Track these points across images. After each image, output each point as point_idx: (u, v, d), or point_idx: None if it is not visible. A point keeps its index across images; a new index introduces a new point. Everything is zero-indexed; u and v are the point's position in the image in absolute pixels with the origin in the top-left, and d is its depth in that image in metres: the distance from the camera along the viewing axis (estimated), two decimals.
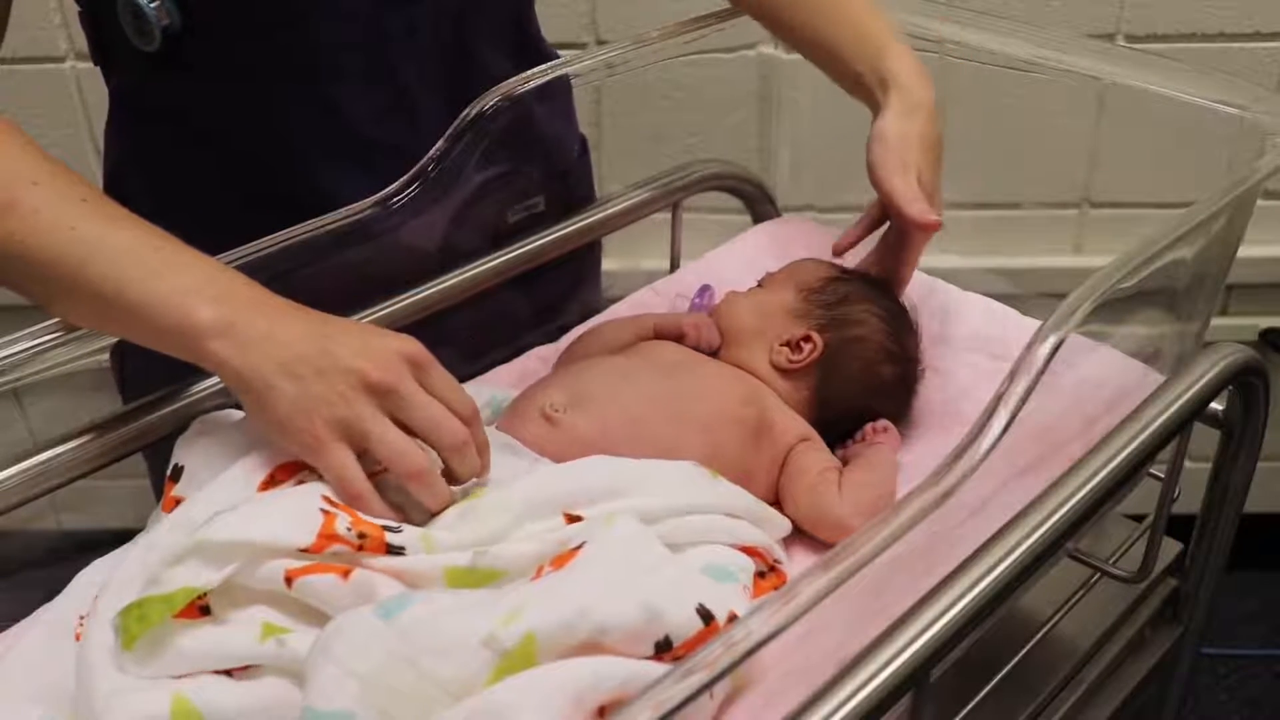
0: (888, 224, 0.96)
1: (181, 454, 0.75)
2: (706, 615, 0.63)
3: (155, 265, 0.69)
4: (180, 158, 0.94)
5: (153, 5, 0.84)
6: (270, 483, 0.71)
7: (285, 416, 0.68)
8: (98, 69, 0.96)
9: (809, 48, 1.00)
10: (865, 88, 0.95)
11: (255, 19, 0.87)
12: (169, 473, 0.74)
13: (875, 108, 0.94)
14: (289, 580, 0.65)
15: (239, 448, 0.73)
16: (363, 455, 0.70)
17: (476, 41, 0.96)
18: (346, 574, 0.65)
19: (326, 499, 0.68)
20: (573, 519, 0.70)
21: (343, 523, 0.66)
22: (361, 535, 0.66)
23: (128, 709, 0.62)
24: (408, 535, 0.68)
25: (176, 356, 0.70)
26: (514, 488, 0.72)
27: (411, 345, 0.71)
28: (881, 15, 0.97)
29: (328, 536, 0.65)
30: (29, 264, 0.69)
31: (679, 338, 0.94)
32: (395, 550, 0.67)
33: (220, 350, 0.68)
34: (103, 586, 0.69)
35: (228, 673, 0.64)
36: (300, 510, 0.67)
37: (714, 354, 0.94)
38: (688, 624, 0.63)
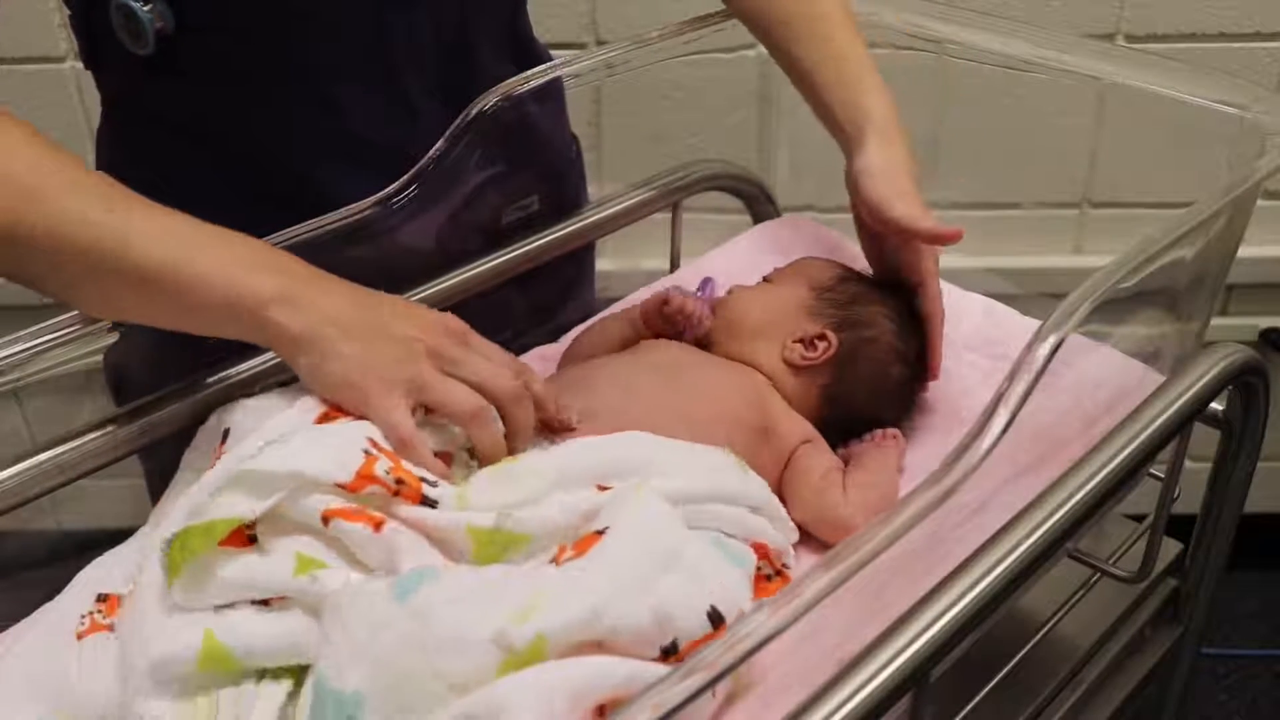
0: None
1: (226, 418, 0.76)
2: (717, 618, 0.64)
3: (202, 242, 0.71)
4: (177, 159, 0.93)
5: (145, 8, 0.84)
6: (324, 419, 0.72)
7: (345, 373, 0.71)
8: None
9: (791, 73, 1.00)
10: (837, 122, 0.95)
11: (252, 21, 0.86)
12: (219, 437, 0.75)
13: (845, 142, 0.94)
14: (325, 520, 0.66)
15: (286, 401, 0.74)
16: (415, 412, 0.72)
17: (475, 42, 0.96)
18: (379, 525, 0.66)
19: (372, 441, 0.70)
20: (604, 489, 0.71)
21: (382, 466, 0.68)
22: (399, 481, 0.68)
23: (162, 647, 0.63)
24: (443, 490, 0.69)
25: (223, 334, 0.72)
26: (551, 453, 0.74)
27: (452, 319, 0.76)
28: (862, 47, 0.97)
29: (366, 477, 0.67)
30: (60, 252, 0.69)
31: (662, 304, 0.93)
32: (429, 502, 0.68)
33: (281, 316, 0.70)
34: (160, 521, 0.71)
35: (265, 603, 0.65)
36: (344, 447, 0.68)
37: (715, 342, 0.94)
38: (698, 628, 0.63)
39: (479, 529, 0.68)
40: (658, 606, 0.62)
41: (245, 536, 0.66)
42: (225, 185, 0.93)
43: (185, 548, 0.64)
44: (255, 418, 0.74)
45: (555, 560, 0.67)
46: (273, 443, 0.68)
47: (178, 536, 0.65)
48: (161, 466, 0.79)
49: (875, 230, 0.94)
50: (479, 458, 0.74)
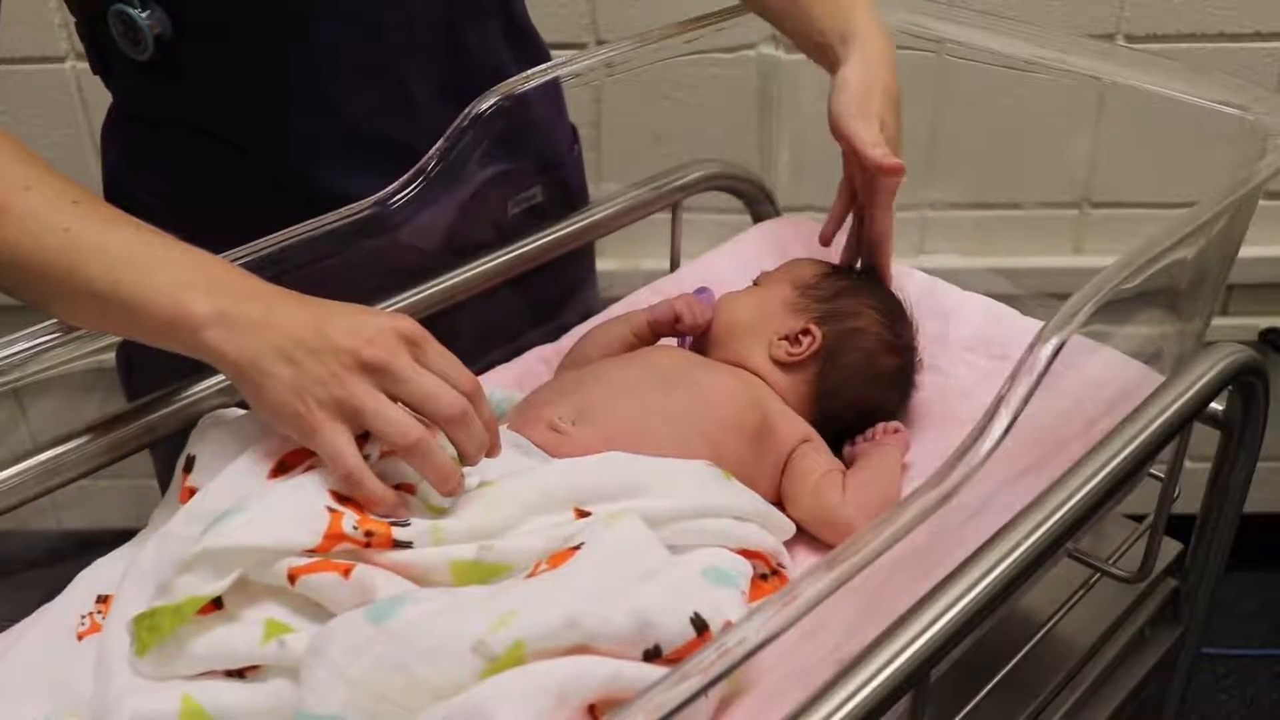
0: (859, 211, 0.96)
1: (194, 444, 0.75)
2: (700, 624, 0.63)
3: (147, 263, 0.70)
4: (183, 159, 0.94)
5: (143, 14, 0.84)
6: (280, 470, 0.71)
7: (280, 400, 0.67)
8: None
9: (781, 16, 1.00)
10: (827, 45, 0.95)
11: (249, 23, 0.87)
12: (182, 463, 0.74)
13: (834, 65, 0.94)
14: (292, 578, 0.65)
15: (249, 436, 0.73)
16: (364, 439, 0.69)
17: (471, 33, 0.96)
18: (347, 572, 0.65)
19: (334, 494, 0.68)
20: (583, 514, 0.71)
21: (349, 521, 0.66)
22: (369, 533, 0.66)
23: (138, 709, 0.63)
24: (416, 529, 0.68)
25: (176, 351, 0.70)
26: (528, 478, 0.72)
27: (406, 323, 0.70)
28: None
29: (334, 536, 0.65)
30: (24, 269, 0.70)
31: (675, 321, 0.94)
32: (402, 544, 0.67)
33: (215, 339, 0.68)
34: (121, 580, 0.70)
35: (240, 674, 0.65)
36: (306, 510, 0.67)
37: (709, 349, 0.94)
38: (679, 634, 0.63)
39: (460, 562, 0.67)
40: (636, 611, 0.62)
41: (212, 604, 0.65)
42: (231, 185, 0.93)
43: (154, 629, 0.64)
44: (219, 455, 0.73)
45: (531, 574, 0.67)
46: (231, 513, 0.66)
47: (145, 616, 0.64)
48: (168, 461, 0.79)
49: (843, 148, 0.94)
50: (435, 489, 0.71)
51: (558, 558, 0.67)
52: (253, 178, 0.93)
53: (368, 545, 0.66)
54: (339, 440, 0.67)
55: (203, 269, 0.71)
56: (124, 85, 0.94)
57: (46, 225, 0.69)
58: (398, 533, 0.67)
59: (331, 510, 0.67)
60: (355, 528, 0.66)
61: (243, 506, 0.67)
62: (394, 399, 0.68)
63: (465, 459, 0.70)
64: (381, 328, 0.69)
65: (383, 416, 0.67)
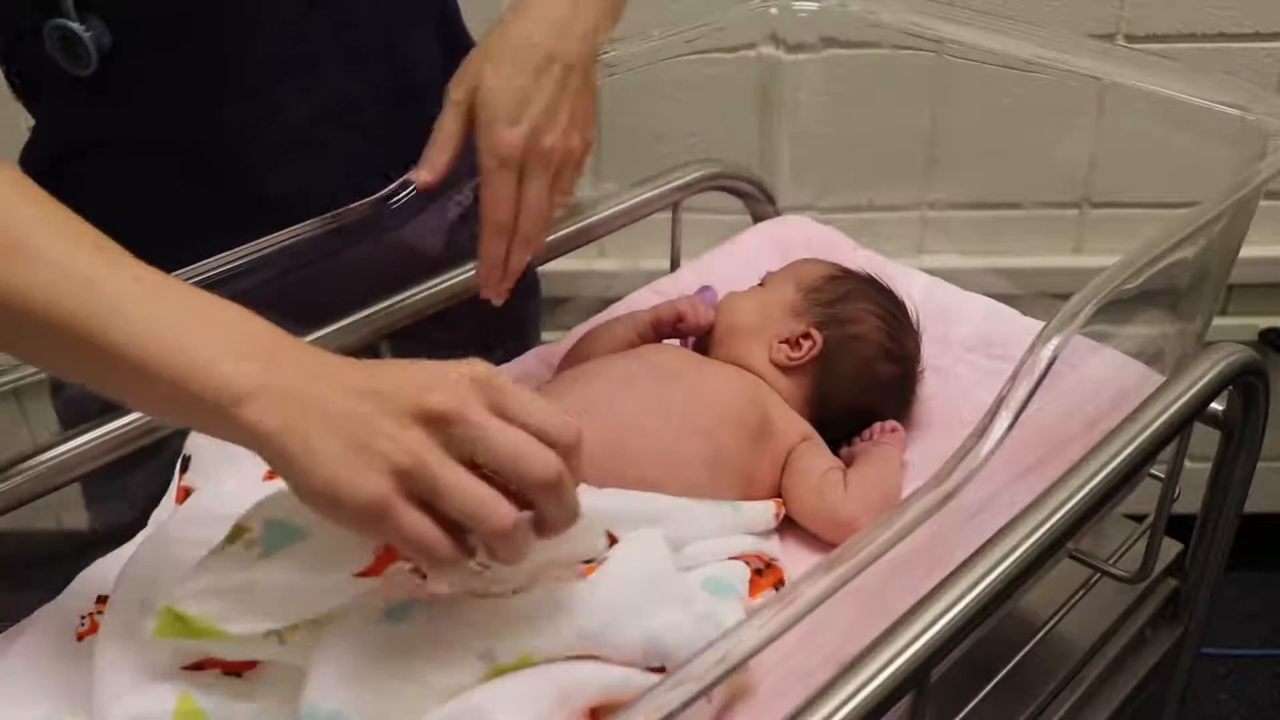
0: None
1: (190, 444, 0.75)
2: None
3: (186, 322, 0.58)
4: (127, 174, 0.90)
5: (83, 28, 0.81)
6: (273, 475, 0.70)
7: (329, 481, 0.54)
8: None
9: None
10: None
11: (189, 29, 0.85)
12: (179, 464, 0.74)
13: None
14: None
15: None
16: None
17: (402, 31, 0.94)
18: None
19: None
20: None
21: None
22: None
23: (134, 708, 0.63)
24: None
25: (205, 431, 0.60)
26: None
27: (478, 366, 0.57)
28: None
29: (386, 557, 0.60)
30: (34, 321, 0.57)
31: (678, 320, 0.94)
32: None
33: (253, 414, 0.55)
34: (116, 583, 0.69)
35: (237, 673, 0.65)
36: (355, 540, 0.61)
37: (711, 349, 0.94)
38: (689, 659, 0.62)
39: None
40: (649, 634, 0.62)
41: None
42: (179, 199, 0.90)
43: (180, 627, 0.61)
44: (213, 458, 0.71)
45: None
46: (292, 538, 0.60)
47: (179, 615, 0.61)
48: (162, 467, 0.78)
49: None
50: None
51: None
52: (194, 190, 0.90)
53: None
54: (421, 525, 0.55)
55: (236, 330, 0.59)
56: (54, 108, 0.90)
57: (67, 274, 0.58)
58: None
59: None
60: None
61: (309, 535, 0.61)
62: (470, 465, 0.56)
63: (544, 531, 0.57)
64: (445, 373, 0.57)
65: (462, 493, 0.54)
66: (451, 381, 0.56)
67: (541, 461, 0.55)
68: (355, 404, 0.55)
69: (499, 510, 0.55)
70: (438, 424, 0.55)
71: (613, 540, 0.70)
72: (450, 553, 0.55)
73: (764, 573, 0.76)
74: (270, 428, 0.55)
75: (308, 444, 0.54)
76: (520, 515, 0.55)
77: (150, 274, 0.59)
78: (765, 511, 0.81)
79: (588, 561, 0.67)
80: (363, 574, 0.60)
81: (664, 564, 0.67)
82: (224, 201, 0.89)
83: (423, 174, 0.82)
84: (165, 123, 0.89)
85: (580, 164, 0.83)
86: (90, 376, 0.60)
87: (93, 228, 0.61)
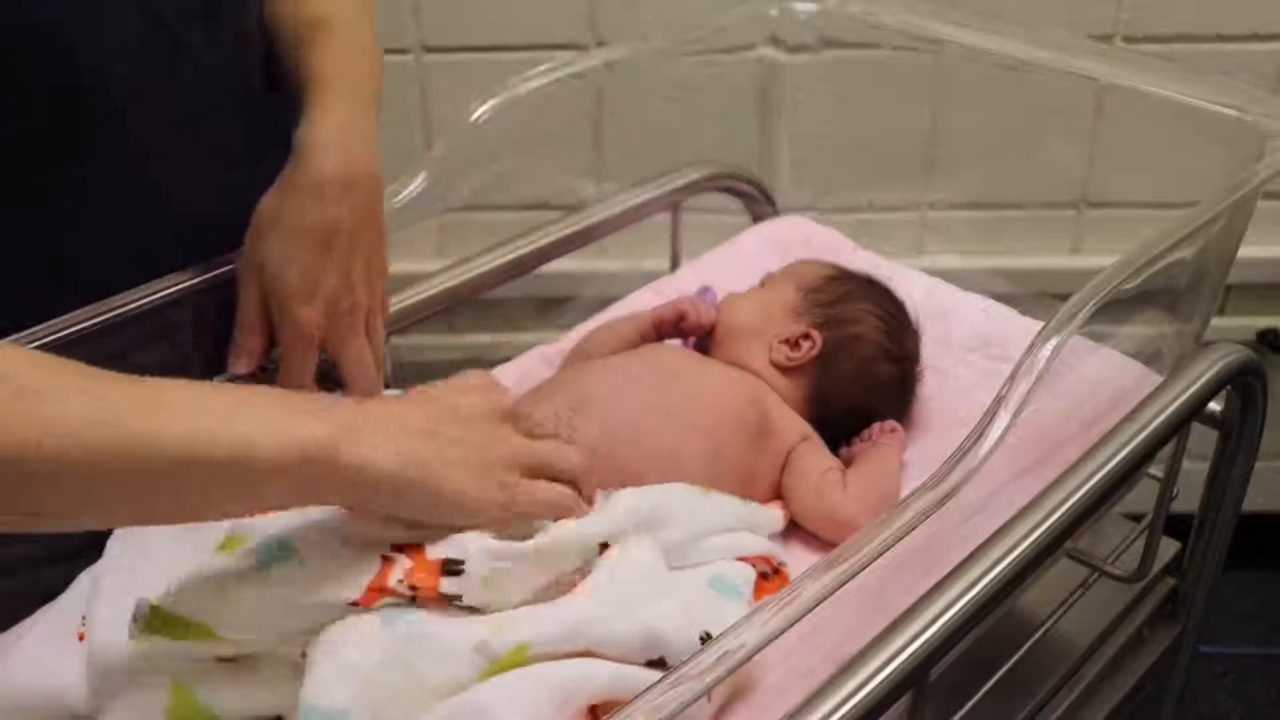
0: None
1: None
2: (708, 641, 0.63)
3: (227, 408, 0.57)
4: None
5: None
6: None
7: (462, 486, 0.62)
8: None
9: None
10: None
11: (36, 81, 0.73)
12: None
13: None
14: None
15: None
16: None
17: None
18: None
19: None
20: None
21: (396, 575, 0.63)
22: (414, 587, 0.62)
23: (130, 701, 0.63)
24: (469, 580, 0.63)
25: (290, 501, 0.60)
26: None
27: (473, 374, 0.70)
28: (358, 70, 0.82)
29: (377, 590, 0.62)
30: (66, 461, 0.52)
31: (679, 320, 0.95)
32: (450, 598, 0.63)
33: (357, 454, 0.58)
34: (99, 570, 0.69)
35: (231, 660, 0.65)
36: (357, 557, 0.63)
37: (711, 349, 0.94)
38: (687, 650, 0.62)
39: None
40: (645, 624, 0.62)
41: None
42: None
43: (167, 628, 0.62)
44: None
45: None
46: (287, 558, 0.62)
47: (171, 615, 0.62)
48: None
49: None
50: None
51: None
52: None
53: (413, 600, 0.63)
54: (549, 491, 0.67)
55: (282, 398, 0.60)
56: None
57: (96, 394, 0.53)
58: (446, 586, 0.63)
59: (385, 559, 0.63)
60: (400, 581, 0.62)
61: (302, 558, 0.63)
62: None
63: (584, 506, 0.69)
64: (467, 379, 0.68)
65: (558, 456, 0.68)
66: (479, 383, 0.67)
67: (573, 452, 0.69)
68: (438, 415, 0.63)
69: (577, 457, 0.68)
70: (511, 418, 0.67)
71: (604, 548, 0.70)
72: (574, 501, 0.67)
73: (771, 577, 0.76)
74: (382, 459, 0.59)
75: (424, 462, 0.60)
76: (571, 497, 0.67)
77: (154, 382, 0.57)
78: (776, 515, 0.81)
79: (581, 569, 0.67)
80: (354, 604, 0.62)
81: (656, 563, 0.68)
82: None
83: (240, 364, 0.79)
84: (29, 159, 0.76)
85: (385, 304, 0.82)
86: (126, 499, 0.56)
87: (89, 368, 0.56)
